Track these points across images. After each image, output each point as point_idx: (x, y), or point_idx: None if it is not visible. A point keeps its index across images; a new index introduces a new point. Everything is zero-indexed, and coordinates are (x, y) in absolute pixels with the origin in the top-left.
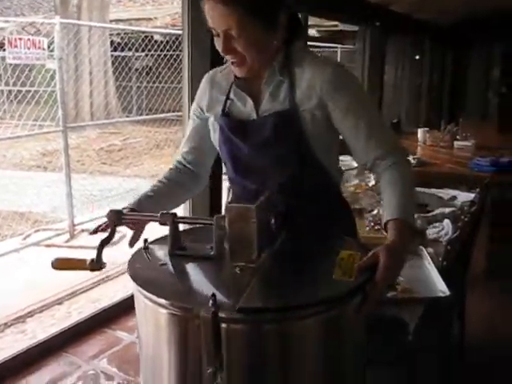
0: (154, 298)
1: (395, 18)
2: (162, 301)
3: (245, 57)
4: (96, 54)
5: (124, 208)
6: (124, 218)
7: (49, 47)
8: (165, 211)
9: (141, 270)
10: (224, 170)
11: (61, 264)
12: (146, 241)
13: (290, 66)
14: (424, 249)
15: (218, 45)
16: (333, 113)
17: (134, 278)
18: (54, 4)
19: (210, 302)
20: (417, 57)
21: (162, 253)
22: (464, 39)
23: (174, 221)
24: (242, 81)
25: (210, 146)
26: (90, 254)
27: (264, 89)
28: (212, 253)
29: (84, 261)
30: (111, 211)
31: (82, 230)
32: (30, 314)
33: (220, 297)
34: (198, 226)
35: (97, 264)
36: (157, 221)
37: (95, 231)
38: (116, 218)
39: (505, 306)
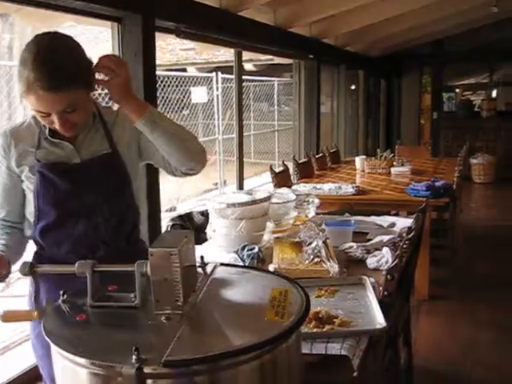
0: (72, 356)
1: (329, 50)
2: (81, 360)
3: (76, 123)
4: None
5: None
6: (36, 271)
7: None
8: (83, 261)
9: (58, 325)
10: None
11: (9, 317)
12: (64, 293)
13: (99, 112)
14: (367, 279)
15: (47, 121)
16: (141, 143)
17: (49, 336)
18: None
19: (133, 356)
20: (352, 87)
21: (81, 305)
22: (396, 68)
23: (93, 270)
24: (53, 131)
25: (21, 203)
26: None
27: (81, 134)
28: (135, 302)
29: (32, 312)
30: (23, 264)
31: (19, 278)
32: None
33: (145, 350)
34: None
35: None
36: (73, 272)
37: None
38: (28, 271)
39: (452, 329)
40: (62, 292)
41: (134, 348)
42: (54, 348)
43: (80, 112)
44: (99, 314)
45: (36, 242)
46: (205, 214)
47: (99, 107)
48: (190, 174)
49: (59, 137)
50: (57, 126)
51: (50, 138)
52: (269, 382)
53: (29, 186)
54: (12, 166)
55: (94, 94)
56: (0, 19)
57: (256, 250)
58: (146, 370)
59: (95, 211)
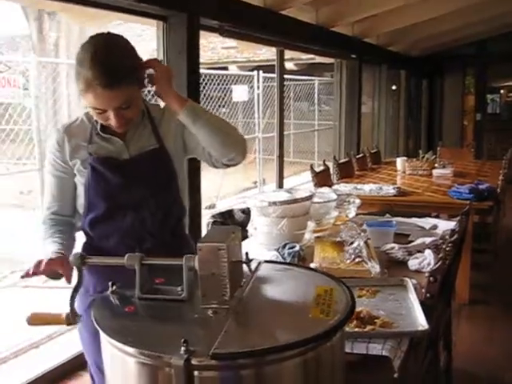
0: (121, 346)
1: (370, 50)
2: (130, 349)
3: (131, 119)
4: (74, 91)
5: (54, 253)
6: (87, 262)
7: (24, 85)
8: (132, 253)
9: (107, 315)
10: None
11: (36, 320)
12: (113, 284)
13: (147, 108)
14: (409, 281)
15: (102, 117)
16: (187, 138)
17: (99, 325)
18: (31, 43)
19: (182, 348)
20: (393, 87)
21: (129, 297)
22: (438, 69)
23: (141, 263)
24: (104, 127)
25: (75, 194)
26: (68, 295)
27: (130, 131)
28: (183, 295)
29: (60, 315)
30: (75, 255)
31: None
32: (5, 360)
33: (192, 342)
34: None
35: (73, 319)
36: (123, 264)
37: (27, 275)
38: (80, 263)
39: (492, 335)
40: (110, 283)
41: (183, 340)
42: (103, 337)
43: (134, 108)
44: (147, 306)
45: (86, 233)
46: (246, 212)
47: (147, 104)
48: (232, 165)
49: (110, 132)
50: (112, 122)
51: (101, 133)
52: (312, 379)
53: (79, 179)
54: (66, 159)
55: (143, 91)
56: (47, 17)
57: (297, 248)
58: (194, 361)
59: (142, 205)
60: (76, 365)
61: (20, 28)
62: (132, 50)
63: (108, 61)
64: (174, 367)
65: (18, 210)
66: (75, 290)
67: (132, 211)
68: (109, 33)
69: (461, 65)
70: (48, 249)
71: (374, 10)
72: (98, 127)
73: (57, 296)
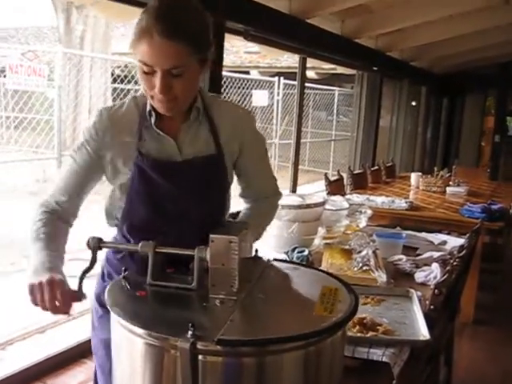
0: (131, 326)
1: (393, 64)
2: (139, 330)
3: (177, 97)
4: (96, 85)
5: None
6: (103, 246)
7: (49, 75)
8: (146, 241)
9: (118, 298)
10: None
11: None
12: (125, 270)
13: (206, 106)
14: (414, 292)
15: (149, 82)
16: (244, 156)
17: (111, 306)
18: (58, 34)
19: (189, 332)
20: (413, 103)
21: (141, 283)
22: (459, 88)
23: (154, 251)
24: (158, 121)
25: (87, 190)
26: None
27: (184, 129)
28: (192, 284)
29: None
30: (92, 238)
31: (70, 259)
32: (11, 342)
33: (199, 328)
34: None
35: (77, 296)
36: (136, 250)
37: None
38: (97, 246)
39: (493, 356)
40: (123, 269)
41: (190, 324)
42: (113, 317)
43: (185, 82)
44: (157, 293)
45: (124, 237)
46: None
47: (204, 96)
48: None
49: (161, 128)
50: (157, 89)
51: (154, 127)
52: (311, 373)
53: (114, 180)
54: (100, 153)
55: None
56: (75, 11)
57: (306, 252)
58: (199, 345)
59: (186, 216)
60: (81, 352)
61: (46, 19)
62: (207, 20)
63: (175, 12)
64: (180, 350)
65: (33, 197)
66: (86, 272)
67: (174, 221)
68: None
69: (483, 85)
70: (40, 259)
71: (400, 25)
72: (153, 120)
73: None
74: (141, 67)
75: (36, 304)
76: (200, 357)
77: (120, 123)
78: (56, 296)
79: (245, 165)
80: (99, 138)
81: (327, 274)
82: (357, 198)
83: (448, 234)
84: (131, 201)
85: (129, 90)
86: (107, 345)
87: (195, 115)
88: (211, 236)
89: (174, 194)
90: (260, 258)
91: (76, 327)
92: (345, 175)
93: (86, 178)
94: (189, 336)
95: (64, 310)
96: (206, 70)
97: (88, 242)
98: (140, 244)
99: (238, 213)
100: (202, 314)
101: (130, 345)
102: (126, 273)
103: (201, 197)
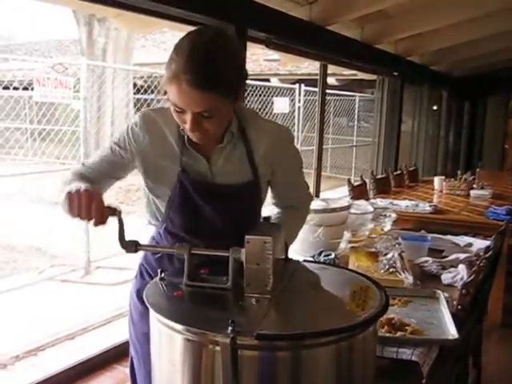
0: (171, 323)
1: (413, 68)
2: (178, 326)
3: (208, 132)
4: (119, 96)
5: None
6: (140, 248)
7: (74, 87)
8: (180, 243)
9: (157, 298)
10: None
11: None
12: (161, 271)
13: (242, 128)
14: (441, 293)
15: (180, 119)
16: (279, 174)
17: (150, 305)
18: (80, 47)
19: (229, 327)
20: (435, 107)
21: (177, 284)
22: (481, 91)
23: (190, 252)
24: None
25: (114, 178)
26: (105, 291)
27: (217, 151)
28: (228, 284)
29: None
30: (129, 242)
31: (97, 267)
32: (42, 348)
33: (237, 324)
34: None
35: (113, 211)
36: (172, 252)
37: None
38: (134, 250)
39: None
40: (159, 270)
41: (230, 321)
42: (152, 314)
43: (216, 121)
44: (194, 293)
45: (160, 236)
46: None
47: (241, 119)
48: None
49: (194, 147)
50: (187, 127)
51: (188, 146)
52: (344, 367)
53: (159, 193)
54: (138, 156)
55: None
56: (97, 23)
57: (332, 256)
58: (239, 340)
59: (219, 236)
60: (110, 357)
61: (68, 32)
62: (241, 58)
63: (208, 58)
64: (222, 345)
65: (57, 206)
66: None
67: (207, 239)
68: (222, 30)
69: (505, 87)
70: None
71: (419, 29)
72: (186, 138)
73: (95, 292)
74: (173, 103)
75: (72, 213)
76: (239, 351)
77: (156, 130)
78: (92, 205)
79: (279, 181)
80: (137, 138)
81: (356, 273)
82: (380, 202)
83: (473, 236)
84: (170, 212)
85: (152, 100)
86: (148, 338)
87: (229, 139)
88: (247, 237)
89: (208, 213)
90: (291, 259)
91: (105, 333)
92: (367, 180)
93: (114, 171)
94: (229, 331)
95: (100, 219)
96: (240, 99)
97: (124, 246)
98: (176, 246)
99: (269, 218)
100: (238, 312)
101: (169, 341)
102: (163, 274)
103: (235, 216)
